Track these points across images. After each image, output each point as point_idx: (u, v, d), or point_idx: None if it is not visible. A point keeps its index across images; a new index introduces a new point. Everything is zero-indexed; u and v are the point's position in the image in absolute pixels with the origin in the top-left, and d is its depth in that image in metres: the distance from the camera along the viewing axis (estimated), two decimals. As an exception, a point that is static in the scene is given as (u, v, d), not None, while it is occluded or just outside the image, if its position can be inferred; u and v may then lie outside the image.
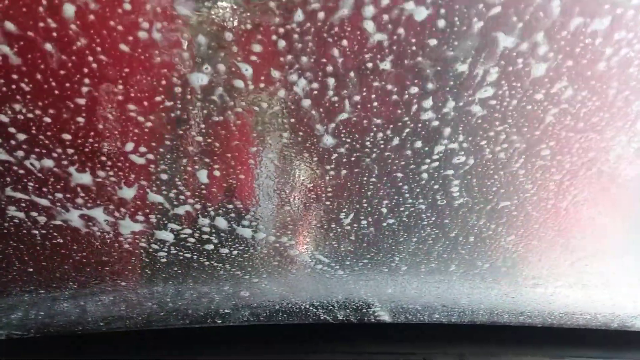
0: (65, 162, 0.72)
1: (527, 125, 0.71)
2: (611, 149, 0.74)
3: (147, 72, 0.60)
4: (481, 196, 0.89)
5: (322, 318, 1.35)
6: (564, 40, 0.57)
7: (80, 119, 0.66)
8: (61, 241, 0.98)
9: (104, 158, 0.72)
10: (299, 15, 0.53)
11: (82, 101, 0.62)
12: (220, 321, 1.39)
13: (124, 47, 0.56)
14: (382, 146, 0.75)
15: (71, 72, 0.59)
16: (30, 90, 0.61)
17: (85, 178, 0.76)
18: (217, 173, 0.78)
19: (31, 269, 1.11)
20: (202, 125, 0.69)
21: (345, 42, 0.57)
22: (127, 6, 0.53)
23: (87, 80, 0.60)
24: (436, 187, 0.84)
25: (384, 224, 0.99)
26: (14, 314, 1.38)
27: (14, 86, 0.59)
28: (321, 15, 0.55)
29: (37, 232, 0.93)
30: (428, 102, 0.66)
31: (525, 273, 1.22)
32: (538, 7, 0.54)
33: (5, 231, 0.93)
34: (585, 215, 0.95)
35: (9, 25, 0.53)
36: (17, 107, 0.62)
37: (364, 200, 0.90)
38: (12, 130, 0.66)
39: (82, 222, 0.89)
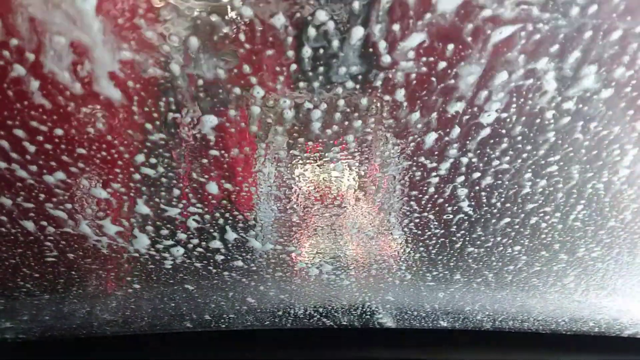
0: (75, 174, 0.73)
1: (533, 141, 0.71)
2: (618, 163, 0.75)
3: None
4: (489, 209, 0.89)
5: (326, 323, 1.35)
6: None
7: (94, 133, 0.66)
8: (68, 248, 0.98)
9: (117, 170, 0.73)
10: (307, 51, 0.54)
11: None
12: (224, 326, 1.39)
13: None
14: (389, 159, 0.75)
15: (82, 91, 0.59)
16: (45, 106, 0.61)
17: (96, 190, 0.76)
18: (227, 186, 0.79)
19: (37, 274, 1.11)
20: (213, 141, 0.69)
21: (355, 68, 0.58)
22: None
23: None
24: (441, 200, 0.84)
25: (391, 234, 0.99)
26: (20, 317, 1.39)
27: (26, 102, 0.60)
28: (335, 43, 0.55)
29: (44, 239, 0.93)
30: (434, 120, 0.66)
31: (531, 282, 1.23)
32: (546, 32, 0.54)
33: (12, 237, 0.94)
34: (592, 227, 0.95)
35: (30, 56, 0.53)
36: (34, 123, 0.62)
37: (370, 212, 0.90)
38: (25, 143, 0.66)
39: (90, 231, 0.90)
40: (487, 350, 1.35)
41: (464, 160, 0.73)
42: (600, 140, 0.69)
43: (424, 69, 0.59)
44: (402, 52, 0.57)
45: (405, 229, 0.96)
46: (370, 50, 0.56)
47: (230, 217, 0.88)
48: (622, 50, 0.57)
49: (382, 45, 0.55)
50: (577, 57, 0.58)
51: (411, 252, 1.06)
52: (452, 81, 0.61)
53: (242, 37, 0.54)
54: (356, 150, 0.72)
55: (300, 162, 0.75)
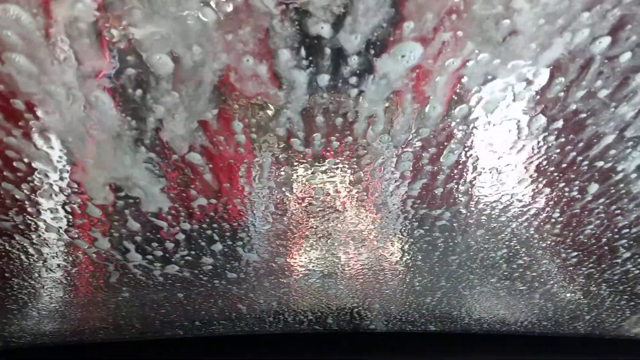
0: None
1: (497, 151, 0.73)
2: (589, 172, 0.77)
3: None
4: (474, 213, 0.91)
5: (317, 328, 1.36)
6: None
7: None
8: (58, 257, 0.99)
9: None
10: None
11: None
12: (215, 332, 1.40)
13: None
14: (373, 172, 0.77)
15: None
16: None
17: (89, 208, 0.78)
18: (213, 201, 0.81)
19: (26, 283, 1.12)
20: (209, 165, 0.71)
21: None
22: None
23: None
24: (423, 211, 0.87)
25: (380, 241, 1.01)
26: (11, 324, 1.39)
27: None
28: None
29: (33, 251, 0.94)
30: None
31: (515, 285, 1.25)
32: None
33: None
34: (568, 233, 0.97)
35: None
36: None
37: (359, 220, 0.92)
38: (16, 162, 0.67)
39: (86, 243, 0.91)
40: (476, 353, 1.36)
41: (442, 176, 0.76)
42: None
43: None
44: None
45: (392, 237, 0.98)
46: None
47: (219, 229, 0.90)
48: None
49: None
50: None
51: (399, 259, 1.08)
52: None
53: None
54: (343, 161, 0.74)
55: (290, 172, 0.77)
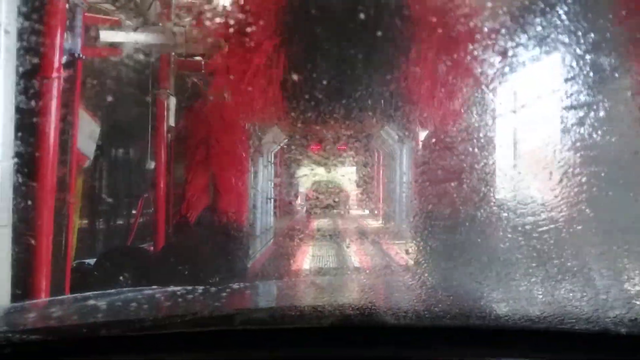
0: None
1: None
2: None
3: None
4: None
5: (321, 322, 1.34)
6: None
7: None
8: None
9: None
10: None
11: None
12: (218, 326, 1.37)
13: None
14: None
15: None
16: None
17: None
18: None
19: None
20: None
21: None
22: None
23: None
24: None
25: (388, 235, 0.98)
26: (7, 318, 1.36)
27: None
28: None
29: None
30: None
31: (518, 280, 1.22)
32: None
33: None
34: (569, 236, 0.94)
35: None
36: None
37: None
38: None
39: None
40: (483, 348, 1.35)
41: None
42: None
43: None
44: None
45: (403, 232, 0.95)
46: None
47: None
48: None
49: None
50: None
51: (412, 254, 1.04)
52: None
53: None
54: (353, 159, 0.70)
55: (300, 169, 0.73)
